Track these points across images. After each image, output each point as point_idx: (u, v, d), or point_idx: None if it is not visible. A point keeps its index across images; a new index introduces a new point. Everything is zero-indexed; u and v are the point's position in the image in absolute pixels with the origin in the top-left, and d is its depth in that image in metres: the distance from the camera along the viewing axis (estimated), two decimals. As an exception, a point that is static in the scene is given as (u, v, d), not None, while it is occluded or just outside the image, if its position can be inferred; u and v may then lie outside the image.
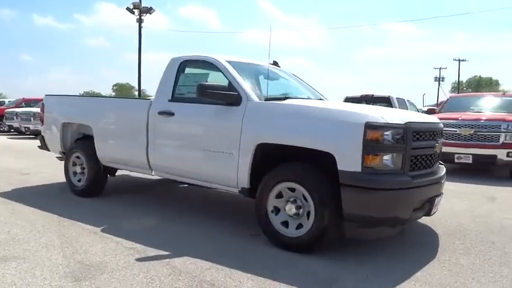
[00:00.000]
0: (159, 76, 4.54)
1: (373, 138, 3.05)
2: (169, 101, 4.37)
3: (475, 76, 55.95)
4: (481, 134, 7.57)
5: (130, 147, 4.71)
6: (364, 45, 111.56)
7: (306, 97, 4.51)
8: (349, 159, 3.09)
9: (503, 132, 7.43)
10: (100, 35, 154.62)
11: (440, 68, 52.44)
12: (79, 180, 5.40)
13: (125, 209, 4.77)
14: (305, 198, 3.37)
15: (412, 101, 12.51)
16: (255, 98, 3.78)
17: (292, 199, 3.45)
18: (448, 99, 10.27)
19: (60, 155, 5.88)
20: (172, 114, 4.26)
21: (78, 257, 3.19)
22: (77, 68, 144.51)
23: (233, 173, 3.77)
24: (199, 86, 3.81)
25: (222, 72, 4.07)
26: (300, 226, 3.41)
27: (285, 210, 3.49)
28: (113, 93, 77.08)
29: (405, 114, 3.63)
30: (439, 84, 52.16)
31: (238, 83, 3.90)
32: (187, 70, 4.49)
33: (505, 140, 7.39)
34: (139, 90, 27.87)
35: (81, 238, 3.64)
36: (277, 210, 3.55)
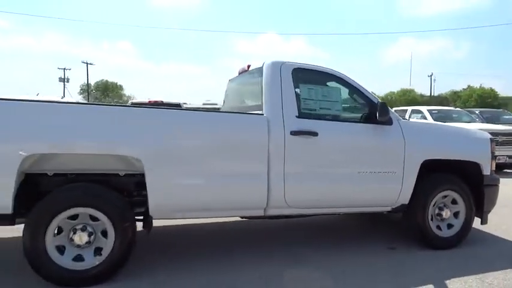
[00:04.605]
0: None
1: (493, 149, 4.25)
2: (297, 117, 3.51)
3: (102, 80, 59.16)
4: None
5: (231, 183, 3.28)
6: None
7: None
8: (486, 166, 4.14)
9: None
10: None
11: (64, 69, 51.82)
12: (78, 258, 2.97)
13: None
14: (454, 202, 4.08)
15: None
16: (400, 118, 3.95)
17: (442, 205, 4.05)
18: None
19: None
20: (315, 134, 3.49)
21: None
22: None
23: (395, 192, 3.79)
24: (384, 104, 3.56)
25: (358, 90, 3.82)
26: (450, 226, 4.07)
27: (440, 216, 4.02)
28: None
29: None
30: (64, 84, 51.61)
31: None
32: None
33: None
34: None
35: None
36: (430, 217, 4.00)
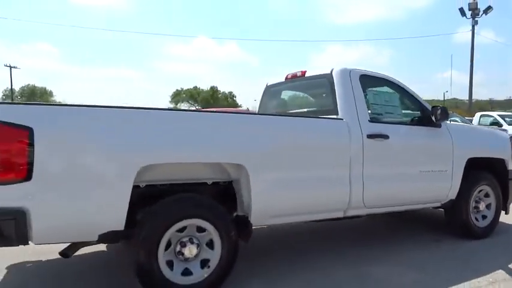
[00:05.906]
0: None
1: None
2: (369, 121, 3.69)
3: (28, 84, 54.41)
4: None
5: (322, 186, 3.37)
6: None
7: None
8: (509, 162, 4.65)
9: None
10: None
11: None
12: (185, 273, 2.85)
13: None
14: (487, 195, 4.53)
15: None
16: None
17: (477, 198, 4.47)
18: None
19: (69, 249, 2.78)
20: (386, 137, 3.69)
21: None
22: None
23: (446, 188, 4.13)
24: (445, 109, 3.86)
25: (412, 96, 4.10)
26: (484, 217, 4.51)
27: (477, 208, 4.43)
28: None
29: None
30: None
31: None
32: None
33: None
34: None
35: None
36: (471, 210, 4.40)
